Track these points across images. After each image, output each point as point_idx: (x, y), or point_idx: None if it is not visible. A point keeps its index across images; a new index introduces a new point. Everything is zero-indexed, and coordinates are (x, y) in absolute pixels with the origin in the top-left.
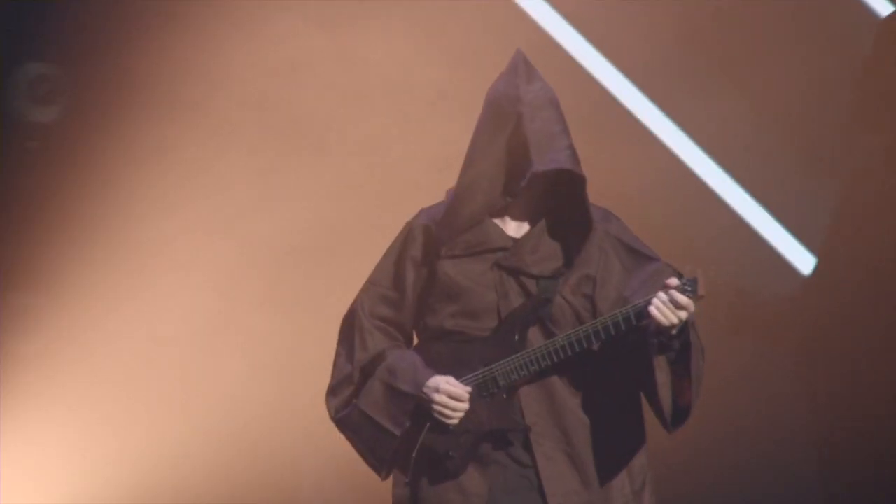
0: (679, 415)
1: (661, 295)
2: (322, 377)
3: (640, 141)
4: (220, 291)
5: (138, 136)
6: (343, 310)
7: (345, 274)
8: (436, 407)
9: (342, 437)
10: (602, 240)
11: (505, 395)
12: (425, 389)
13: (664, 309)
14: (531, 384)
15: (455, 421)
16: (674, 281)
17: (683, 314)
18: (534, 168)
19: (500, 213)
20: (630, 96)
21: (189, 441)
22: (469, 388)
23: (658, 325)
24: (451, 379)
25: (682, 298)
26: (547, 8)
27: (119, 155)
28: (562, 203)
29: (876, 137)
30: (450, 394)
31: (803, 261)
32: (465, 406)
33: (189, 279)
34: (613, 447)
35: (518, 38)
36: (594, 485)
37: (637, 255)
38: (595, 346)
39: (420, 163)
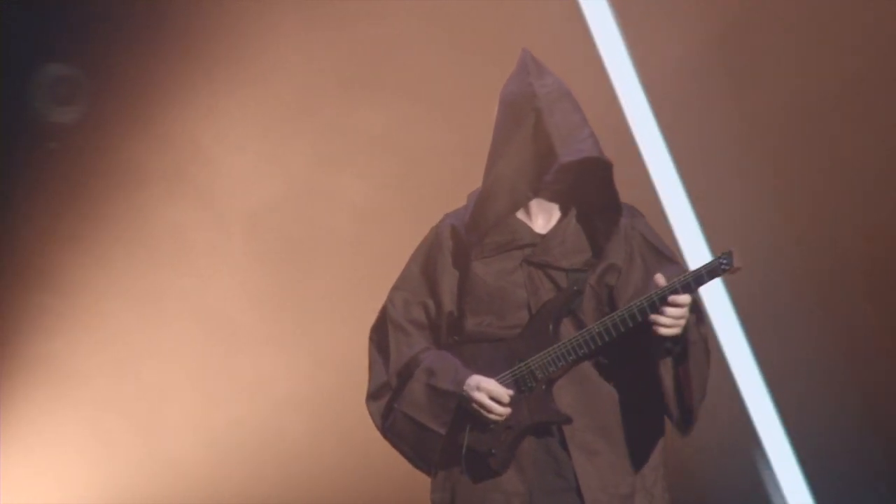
0: (689, 416)
1: (664, 312)
2: (338, 374)
3: None
4: (239, 294)
5: (160, 136)
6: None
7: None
8: (474, 406)
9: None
10: (628, 234)
11: (544, 387)
12: (465, 387)
13: (666, 322)
14: (563, 376)
15: (495, 419)
16: (661, 278)
17: (682, 316)
18: (561, 160)
19: (527, 210)
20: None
21: (205, 445)
22: (511, 392)
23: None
24: (493, 380)
25: (681, 299)
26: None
27: (140, 156)
28: (587, 193)
29: None
30: (490, 393)
31: None
32: (505, 409)
33: (209, 281)
34: (642, 434)
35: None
36: (627, 471)
37: (660, 256)
38: (630, 330)
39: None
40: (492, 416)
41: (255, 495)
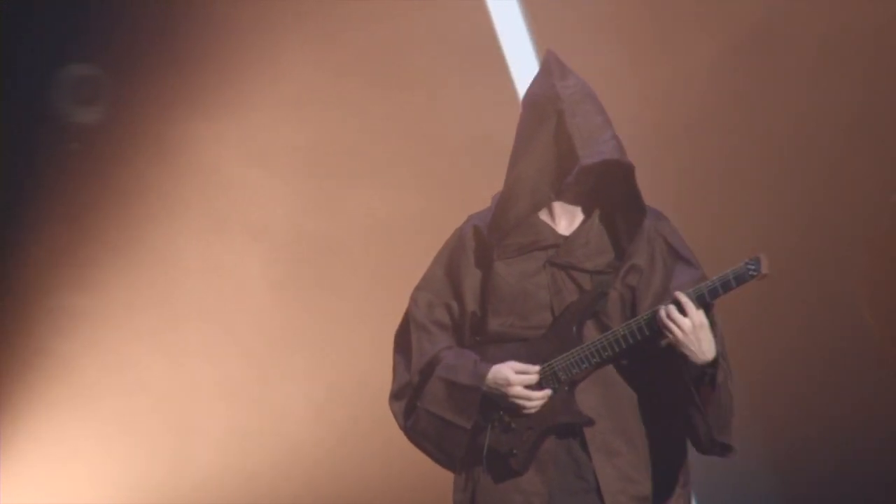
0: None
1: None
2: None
3: None
4: (262, 297)
5: (181, 138)
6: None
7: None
8: (511, 401)
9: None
10: (651, 236)
11: (566, 389)
12: (493, 384)
13: (666, 321)
14: (585, 378)
15: (536, 407)
16: (682, 295)
17: (684, 326)
18: (581, 162)
19: (550, 211)
20: None
21: (220, 447)
22: (537, 367)
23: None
24: (515, 365)
25: (679, 318)
26: None
27: (162, 157)
28: (611, 195)
29: None
30: (523, 382)
31: None
32: (543, 393)
33: (232, 283)
34: (663, 438)
35: None
36: (647, 477)
37: (679, 260)
38: (655, 334)
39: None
40: (530, 404)
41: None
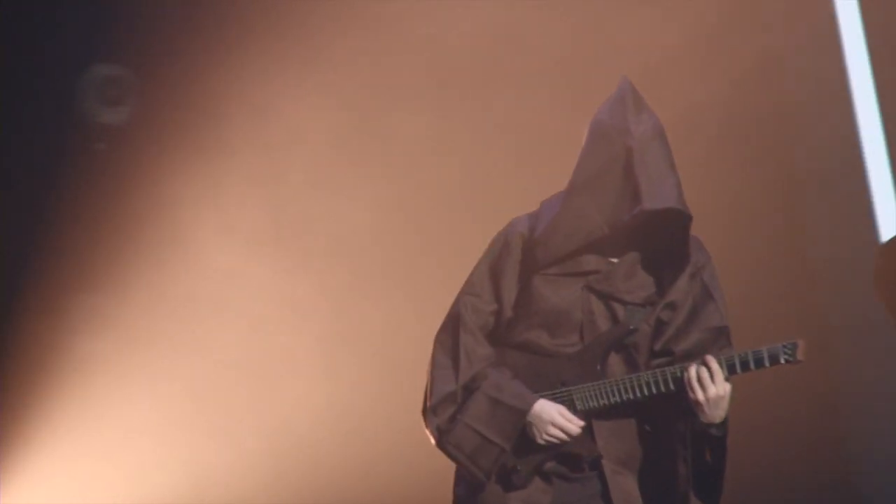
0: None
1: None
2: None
3: None
4: (290, 294)
5: (207, 138)
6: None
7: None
8: (547, 437)
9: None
10: (693, 273)
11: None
12: (537, 417)
13: (693, 382)
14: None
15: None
16: (713, 362)
17: (709, 392)
18: (643, 205)
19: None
20: None
21: (239, 451)
22: (582, 423)
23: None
24: (563, 410)
25: (706, 379)
26: None
27: (188, 157)
28: (660, 233)
29: None
30: (563, 429)
31: None
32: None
33: (259, 282)
34: (671, 471)
35: None
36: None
37: (710, 301)
38: (679, 388)
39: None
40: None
41: None
